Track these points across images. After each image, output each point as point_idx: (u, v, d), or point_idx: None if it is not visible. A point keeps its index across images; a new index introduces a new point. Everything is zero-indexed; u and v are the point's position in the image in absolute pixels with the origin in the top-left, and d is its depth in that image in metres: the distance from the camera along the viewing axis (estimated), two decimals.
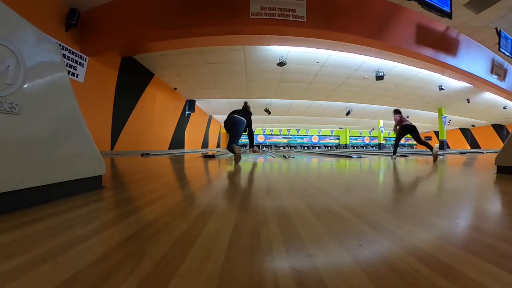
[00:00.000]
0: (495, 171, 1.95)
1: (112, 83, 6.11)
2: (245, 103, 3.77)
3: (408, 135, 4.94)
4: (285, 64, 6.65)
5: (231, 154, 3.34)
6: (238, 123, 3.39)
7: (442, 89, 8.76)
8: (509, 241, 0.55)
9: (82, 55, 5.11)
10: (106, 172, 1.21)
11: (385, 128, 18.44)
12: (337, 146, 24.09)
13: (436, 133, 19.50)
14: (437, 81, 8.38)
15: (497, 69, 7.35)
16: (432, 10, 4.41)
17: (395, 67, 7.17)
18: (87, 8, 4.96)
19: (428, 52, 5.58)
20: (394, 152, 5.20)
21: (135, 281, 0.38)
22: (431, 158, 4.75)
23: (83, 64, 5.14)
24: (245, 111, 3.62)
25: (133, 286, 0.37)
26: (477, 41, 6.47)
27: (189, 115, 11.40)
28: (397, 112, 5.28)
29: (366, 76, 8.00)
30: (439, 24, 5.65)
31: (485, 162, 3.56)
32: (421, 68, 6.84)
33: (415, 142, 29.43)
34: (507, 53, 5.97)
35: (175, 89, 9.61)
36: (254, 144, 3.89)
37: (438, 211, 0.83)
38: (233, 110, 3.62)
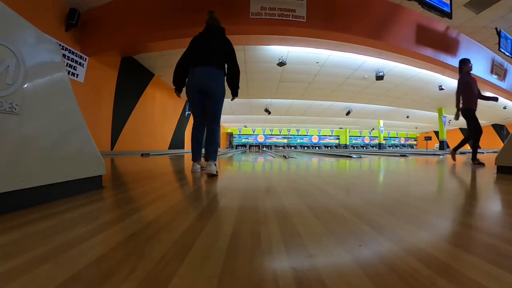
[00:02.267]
0: (495, 171, 1.95)
1: (112, 83, 6.10)
2: (211, 13, 2.14)
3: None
4: (285, 64, 6.65)
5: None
6: (219, 95, 1.90)
7: (442, 89, 8.77)
8: (509, 241, 0.55)
9: (82, 55, 5.11)
10: (106, 172, 1.21)
11: (385, 128, 18.43)
12: (337, 146, 24.08)
13: (436, 133, 19.49)
14: (437, 81, 8.37)
15: (497, 69, 7.35)
16: (432, 10, 4.41)
17: (395, 67, 7.17)
18: (87, 8, 4.96)
19: (428, 52, 5.57)
20: (474, 156, 3.00)
21: (135, 281, 0.38)
22: (431, 158, 4.74)
23: (83, 64, 5.13)
24: (219, 31, 2.03)
25: (133, 286, 0.37)
26: (477, 41, 6.47)
27: (189, 115, 11.39)
28: (463, 63, 3.15)
29: (366, 76, 8.00)
30: (439, 24, 5.65)
31: (485, 162, 3.55)
32: (421, 68, 6.84)
33: (415, 142, 28.32)
34: (507, 53, 5.96)
35: None
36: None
37: (438, 211, 0.83)
38: (195, 41, 2.00)
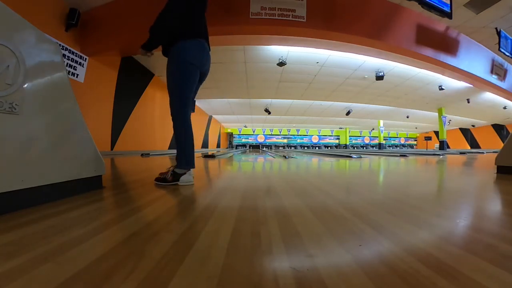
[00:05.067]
0: (495, 171, 1.95)
1: (112, 83, 6.10)
2: None
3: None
4: (285, 64, 6.65)
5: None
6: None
7: (442, 89, 8.76)
8: (509, 241, 0.55)
9: (82, 55, 5.11)
10: (106, 172, 1.21)
11: (385, 128, 18.42)
12: (337, 146, 24.08)
13: (436, 133, 19.49)
14: (437, 81, 8.37)
15: (497, 69, 7.34)
16: (432, 10, 4.41)
17: (395, 67, 7.17)
18: (87, 8, 4.96)
19: (428, 52, 5.57)
20: None
21: (135, 281, 0.38)
22: (431, 158, 4.74)
23: (83, 64, 5.13)
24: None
25: (133, 286, 0.37)
26: (477, 41, 6.46)
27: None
28: None
29: (366, 76, 7.99)
30: (439, 24, 5.65)
31: (485, 162, 3.56)
32: (421, 68, 6.83)
33: (415, 142, 28.23)
34: (507, 53, 5.96)
35: None
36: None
37: (438, 211, 0.83)
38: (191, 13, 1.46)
